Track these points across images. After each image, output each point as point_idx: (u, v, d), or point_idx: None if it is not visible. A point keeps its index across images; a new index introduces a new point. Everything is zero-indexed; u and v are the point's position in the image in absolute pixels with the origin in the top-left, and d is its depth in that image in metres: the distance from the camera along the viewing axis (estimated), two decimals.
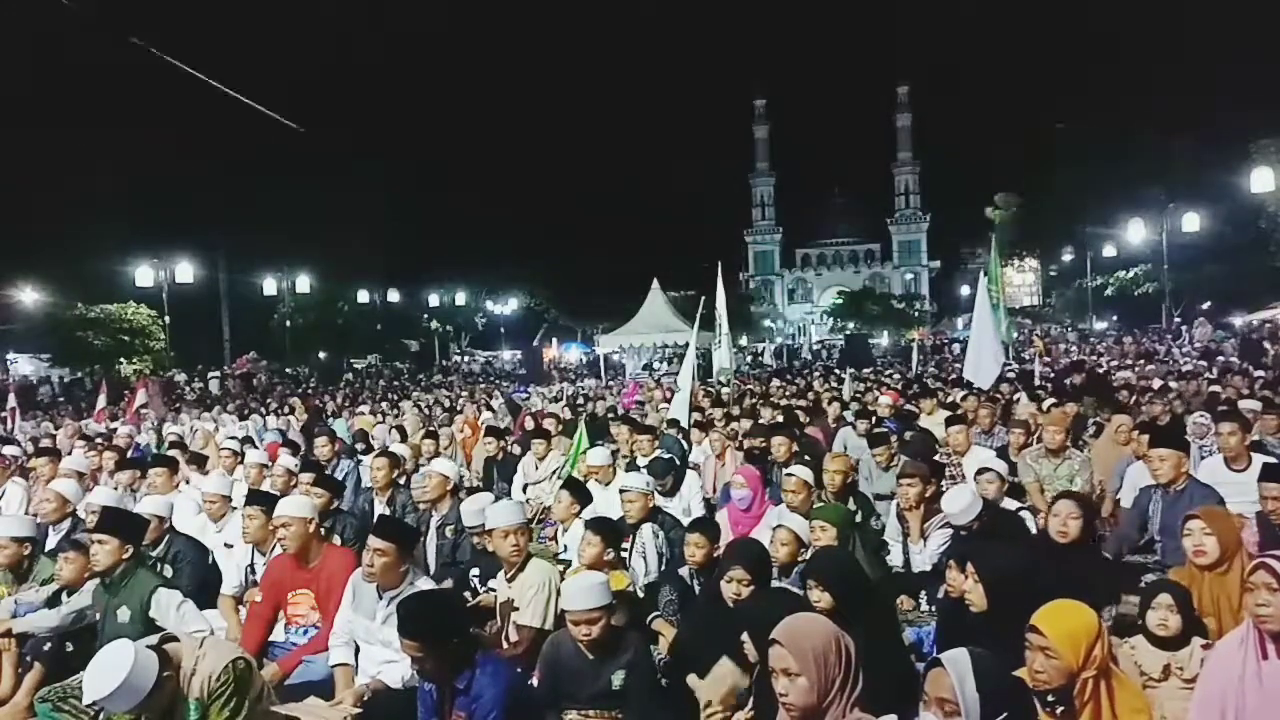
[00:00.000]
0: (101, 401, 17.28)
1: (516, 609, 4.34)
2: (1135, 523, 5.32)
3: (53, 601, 4.78)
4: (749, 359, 35.74)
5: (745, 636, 3.24)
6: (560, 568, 5.09)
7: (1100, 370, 19.14)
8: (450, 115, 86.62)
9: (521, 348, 47.40)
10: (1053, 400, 10.61)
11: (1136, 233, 37.56)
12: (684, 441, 9.43)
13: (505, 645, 4.33)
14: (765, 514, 5.79)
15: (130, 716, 3.02)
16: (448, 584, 5.13)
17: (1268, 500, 4.70)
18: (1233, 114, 36.37)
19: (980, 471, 5.87)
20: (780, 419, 10.26)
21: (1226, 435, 5.76)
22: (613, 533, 4.92)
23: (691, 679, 3.61)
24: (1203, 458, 6.68)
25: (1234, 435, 5.72)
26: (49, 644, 4.51)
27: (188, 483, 7.55)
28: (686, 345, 14.67)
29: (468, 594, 5.09)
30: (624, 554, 5.10)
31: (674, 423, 10.08)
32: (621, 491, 5.51)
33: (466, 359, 48.93)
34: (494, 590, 4.72)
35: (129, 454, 9.96)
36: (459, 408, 16.93)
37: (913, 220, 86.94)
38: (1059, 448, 6.64)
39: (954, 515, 5.26)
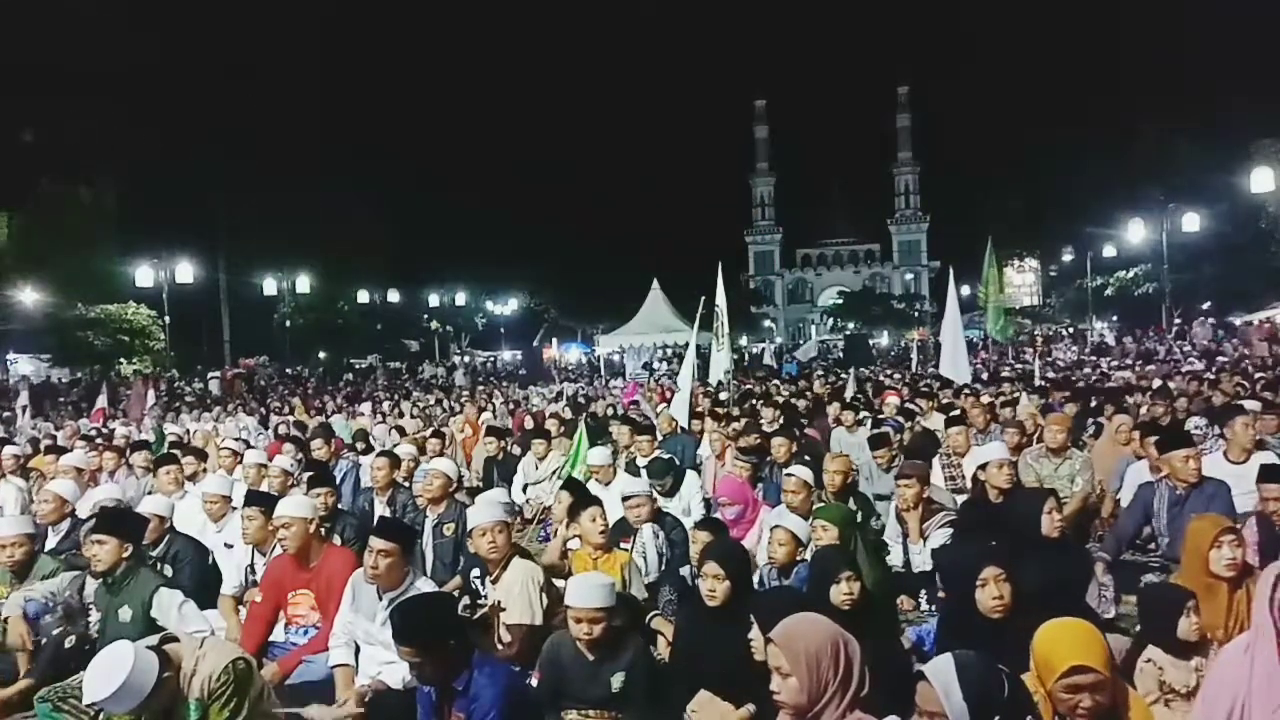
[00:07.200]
0: (101, 401, 17.23)
1: (504, 610, 4.31)
2: (1137, 518, 5.32)
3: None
4: (748, 359, 35.69)
5: (754, 635, 3.25)
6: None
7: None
8: (450, 114, 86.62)
9: (521, 348, 47.36)
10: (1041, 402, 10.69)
11: (1136, 233, 37.49)
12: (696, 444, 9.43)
13: (499, 647, 4.30)
14: (759, 516, 5.79)
15: (130, 717, 3.01)
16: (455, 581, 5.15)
17: (1268, 501, 4.71)
18: (1233, 114, 36.38)
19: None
20: (781, 419, 10.26)
21: (1240, 428, 5.80)
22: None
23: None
24: None
25: (1248, 428, 5.80)
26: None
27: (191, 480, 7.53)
28: (686, 345, 14.66)
29: (467, 596, 5.08)
30: (625, 548, 5.12)
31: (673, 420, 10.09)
32: (626, 498, 5.50)
33: (467, 358, 48.89)
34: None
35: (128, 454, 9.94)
36: (459, 407, 16.91)
37: (913, 220, 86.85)
38: (1060, 448, 6.63)
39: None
